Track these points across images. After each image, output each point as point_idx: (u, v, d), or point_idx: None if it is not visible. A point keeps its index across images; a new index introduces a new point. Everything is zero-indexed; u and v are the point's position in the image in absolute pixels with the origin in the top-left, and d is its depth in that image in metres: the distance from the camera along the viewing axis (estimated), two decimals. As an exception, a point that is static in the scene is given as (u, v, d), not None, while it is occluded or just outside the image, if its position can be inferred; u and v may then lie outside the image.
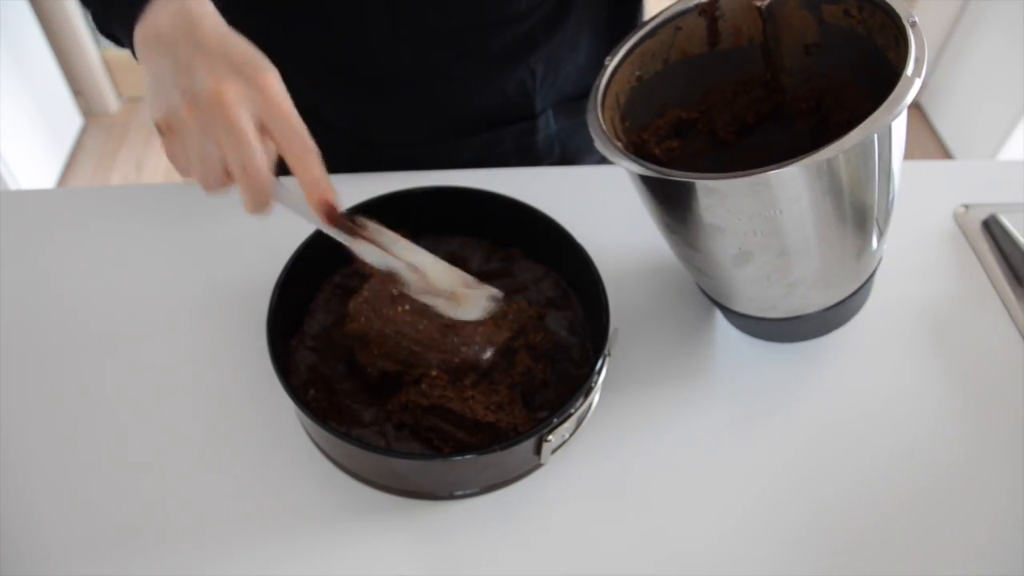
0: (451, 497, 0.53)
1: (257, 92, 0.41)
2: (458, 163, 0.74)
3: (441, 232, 0.65)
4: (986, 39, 1.99)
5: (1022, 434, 0.58)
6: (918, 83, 0.44)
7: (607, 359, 0.53)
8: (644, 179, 0.50)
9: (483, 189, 0.62)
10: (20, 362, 0.59)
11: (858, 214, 0.49)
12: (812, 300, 0.55)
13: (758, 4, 0.55)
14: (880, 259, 0.57)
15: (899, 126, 0.47)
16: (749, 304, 0.57)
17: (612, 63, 0.54)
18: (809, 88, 0.58)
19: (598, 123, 0.52)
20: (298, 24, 0.65)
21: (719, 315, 0.64)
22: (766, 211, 0.47)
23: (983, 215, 0.72)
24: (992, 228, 0.71)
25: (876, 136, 0.44)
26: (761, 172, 0.44)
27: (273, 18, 0.65)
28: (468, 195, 0.62)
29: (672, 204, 0.50)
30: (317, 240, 0.58)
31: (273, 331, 0.53)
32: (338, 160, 0.75)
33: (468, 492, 0.53)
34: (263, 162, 0.42)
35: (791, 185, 0.45)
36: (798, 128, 0.60)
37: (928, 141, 2.17)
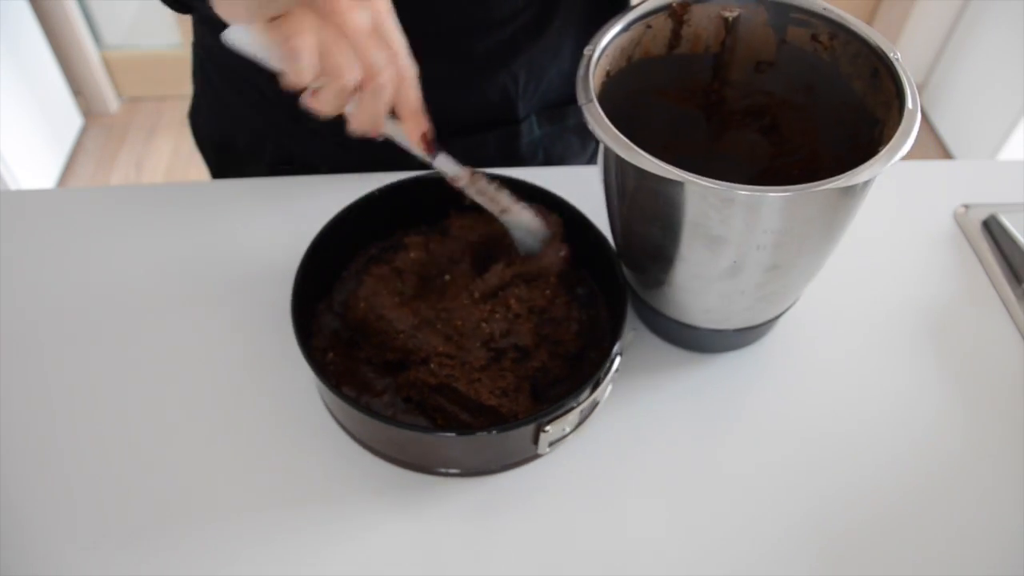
0: (447, 474, 0.54)
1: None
2: None
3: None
4: (986, 39, 1.99)
5: (1022, 434, 0.58)
6: (919, 115, 0.46)
7: (618, 359, 0.53)
8: (649, 177, 0.44)
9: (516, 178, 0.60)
10: (20, 362, 0.59)
11: (837, 236, 0.51)
12: (759, 314, 0.56)
13: (727, 14, 0.54)
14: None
15: None
16: (704, 316, 0.56)
17: (594, 55, 0.50)
18: (750, 103, 0.58)
19: (598, 115, 0.47)
20: None
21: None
22: (781, 226, 0.46)
23: (983, 215, 0.72)
24: (992, 228, 0.71)
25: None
26: (801, 189, 0.43)
27: None
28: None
29: (675, 210, 0.47)
30: (352, 211, 0.60)
31: (300, 294, 0.54)
32: (316, 162, 0.74)
33: (463, 471, 0.54)
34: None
35: (816, 203, 0.45)
36: (743, 133, 0.61)
37: (928, 141, 2.17)
